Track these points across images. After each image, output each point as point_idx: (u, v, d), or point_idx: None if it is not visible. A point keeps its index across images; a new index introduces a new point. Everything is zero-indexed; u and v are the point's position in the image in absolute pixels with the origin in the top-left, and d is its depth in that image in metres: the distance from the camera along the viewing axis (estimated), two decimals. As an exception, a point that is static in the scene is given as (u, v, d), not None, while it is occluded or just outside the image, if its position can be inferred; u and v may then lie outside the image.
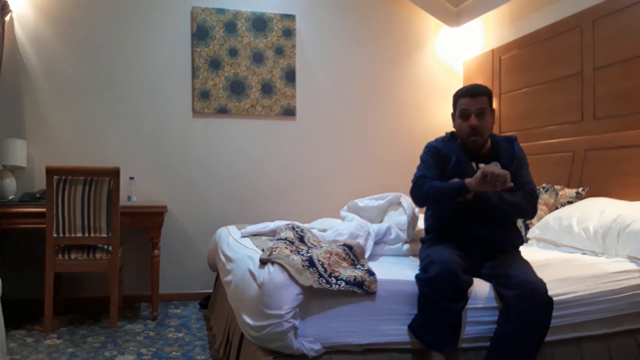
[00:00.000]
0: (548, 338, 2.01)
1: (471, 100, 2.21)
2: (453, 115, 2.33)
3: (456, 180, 2.14)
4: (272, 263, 1.91)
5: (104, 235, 3.12)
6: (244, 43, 4.10)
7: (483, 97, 2.23)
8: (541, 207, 3.04)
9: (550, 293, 1.92)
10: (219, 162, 4.10)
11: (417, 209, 2.76)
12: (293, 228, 2.55)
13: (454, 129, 2.35)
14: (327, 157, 4.33)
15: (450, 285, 1.88)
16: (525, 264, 2.12)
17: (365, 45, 4.41)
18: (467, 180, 2.06)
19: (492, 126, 2.28)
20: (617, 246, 2.42)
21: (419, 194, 2.21)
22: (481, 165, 2.20)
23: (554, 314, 1.99)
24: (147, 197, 3.88)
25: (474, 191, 2.08)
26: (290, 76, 4.20)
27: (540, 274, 2.11)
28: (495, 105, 4.16)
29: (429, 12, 4.41)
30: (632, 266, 2.26)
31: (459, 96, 2.26)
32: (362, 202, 3.01)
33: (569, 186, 3.19)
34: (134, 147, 3.91)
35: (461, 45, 4.61)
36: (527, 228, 3.03)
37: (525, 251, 2.66)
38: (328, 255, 2.02)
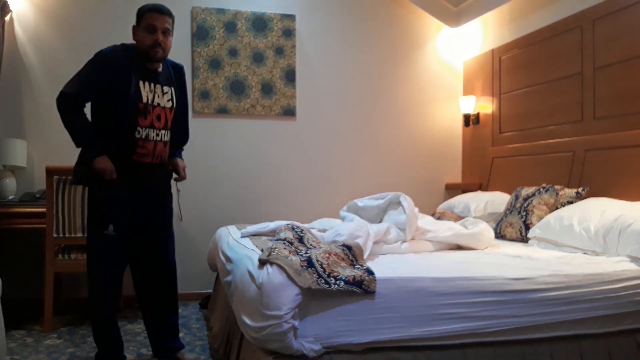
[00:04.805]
0: (547, 334, 2.03)
1: (159, 16, 2.34)
2: (135, 29, 2.37)
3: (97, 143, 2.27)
4: (271, 264, 1.91)
5: (104, 235, 3.12)
6: (244, 43, 4.11)
7: (169, 18, 2.39)
8: (541, 207, 3.04)
9: (550, 289, 1.92)
10: (219, 162, 4.10)
11: (416, 208, 2.76)
12: (293, 228, 2.55)
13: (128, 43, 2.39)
14: (327, 157, 4.33)
15: None
16: None
17: (365, 45, 4.41)
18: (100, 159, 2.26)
19: (170, 48, 2.41)
20: (618, 246, 2.42)
21: (62, 117, 2.28)
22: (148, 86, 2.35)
23: (554, 309, 2.01)
24: (147, 197, 3.87)
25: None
26: (290, 76, 4.20)
27: (541, 271, 2.13)
28: (495, 105, 4.17)
29: (429, 12, 4.41)
30: (633, 266, 2.26)
31: (145, 11, 2.34)
32: (361, 202, 3.01)
33: (569, 186, 3.19)
34: (134, 147, 3.90)
35: (461, 45, 4.61)
36: (527, 228, 3.03)
37: (526, 251, 2.68)
38: (327, 255, 2.01)
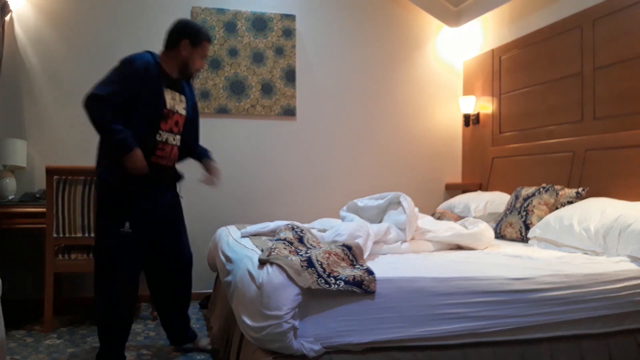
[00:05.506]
0: (547, 334, 2.03)
1: (209, 47, 2.58)
2: (188, 47, 2.46)
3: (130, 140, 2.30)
4: (271, 264, 1.91)
5: (104, 235, 3.12)
6: (244, 43, 4.11)
7: None
8: (541, 207, 3.04)
9: (550, 289, 1.95)
10: (218, 162, 4.07)
11: (416, 208, 2.76)
12: (293, 228, 2.55)
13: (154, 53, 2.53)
14: (327, 157, 4.33)
15: None
16: None
17: (365, 45, 4.41)
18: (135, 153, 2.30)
19: None
20: (618, 246, 2.42)
21: (96, 118, 2.27)
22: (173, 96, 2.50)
23: (554, 309, 2.02)
24: (147, 197, 3.87)
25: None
26: (290, 76, 4.20)
27: (541, 271, 2.13)
28: (495, 105, 4.17)
29: (429, 12, 4.42)
30: (633, 266, 2.26)
31: (205, 39, 2.52)
32: (361, 202, 3.01)
33: (569, 186, 3.19)
34: (134, 147, 3.90)
35: (461, 45, 4.61)
36: (527, 228, 3.03)
37: (526, 251, 2.68)
38: (327, 255, 2.01)
